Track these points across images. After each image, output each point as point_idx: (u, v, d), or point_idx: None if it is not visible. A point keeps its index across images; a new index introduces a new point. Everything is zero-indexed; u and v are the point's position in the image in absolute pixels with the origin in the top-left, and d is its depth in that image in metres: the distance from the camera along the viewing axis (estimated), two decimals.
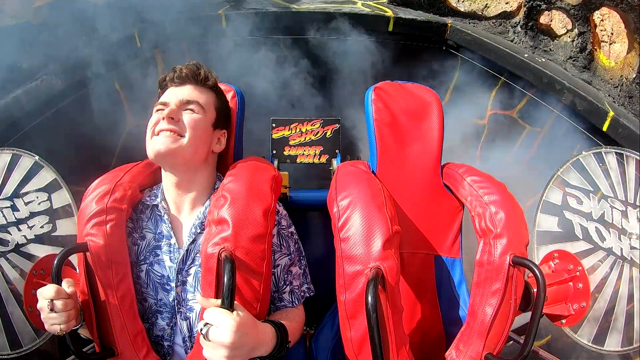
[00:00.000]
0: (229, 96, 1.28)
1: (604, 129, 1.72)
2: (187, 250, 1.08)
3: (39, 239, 1.38)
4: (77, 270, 1.07)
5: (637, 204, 1.51)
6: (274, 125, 1.60)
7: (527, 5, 1.93)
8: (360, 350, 0.98)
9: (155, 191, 1.17)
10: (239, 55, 1.80)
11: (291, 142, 1.60)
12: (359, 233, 0.99)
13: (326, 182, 1.35)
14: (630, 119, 1.73)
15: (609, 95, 1.82)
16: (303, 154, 1.61)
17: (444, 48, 1.96)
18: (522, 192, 1.76)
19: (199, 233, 1.08)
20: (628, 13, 1.73)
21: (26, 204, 1.38)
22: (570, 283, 1.28)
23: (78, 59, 1.63)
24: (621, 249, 1.49)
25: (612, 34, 1.92)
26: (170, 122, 1.06)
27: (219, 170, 1.21)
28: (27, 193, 1.39)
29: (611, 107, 1.75)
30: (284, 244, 1.12)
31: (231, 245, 0.92)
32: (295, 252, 1.14)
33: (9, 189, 1.37)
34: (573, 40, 1.87)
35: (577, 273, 1.28)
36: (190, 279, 1.07)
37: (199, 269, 1.04)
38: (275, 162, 1.59)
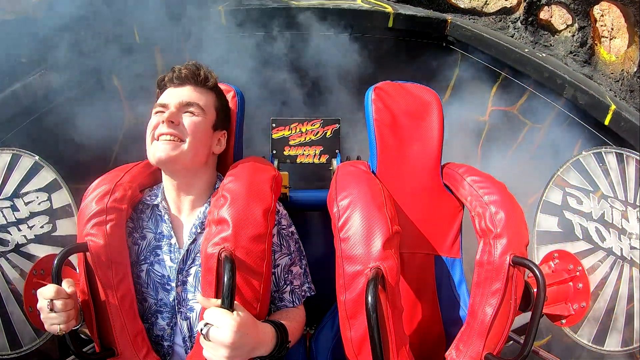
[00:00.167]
0: (229, 96, 1.28)
1: (606, 122, 1.71)
2: (187, 250, 1.08)
3: (39, 239, 1.38)
4: (77, 270, 1.07)
5: (637, 204, 1.51)
6: (274, 125, 1.60)
7: (526, 1, 1.92)
8: (360, 350, 0.98)
9: (155, 191, 1.17)
10: (239, 52, 1.79)
11: (291, 142, 1.60)
12: (359, 233, 0.99)
13: (326, 182, 1.35)
14: (632, 113, 1.73)
15: (610, 90, 1.82)
16: (303, 154, 1.61)
17: (444, 44, 1.96)
18: (524, 189, 1.75)
19: (199, 233, 1.08)
20: (628, 7, 1.73)
21: (26, 204, 1.38)
22: (570, 283, 1.28)
23: (77, 54, 1.62)
24: (621, 249, 1.49)
25: (612, 29, 1.91)
26: (170, 125, 1.05)
27: (219, 170, 1.21)
28: (27, 193, 1.39)
29: (613, 101, 1.74)
30: (284, 244, 1.12)
31: (231, 245, 0.92)
32: (295, 251, 1.14)
33: (9, 189, 1.37)
34: (573, 35, 1.87)
35: (577, 273, 1.28)
36: (190, 279, 1.07)
37: (199, 269, 1.04)
38: (275, 162, 1.59)
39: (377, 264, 0.94)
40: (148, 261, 1.09)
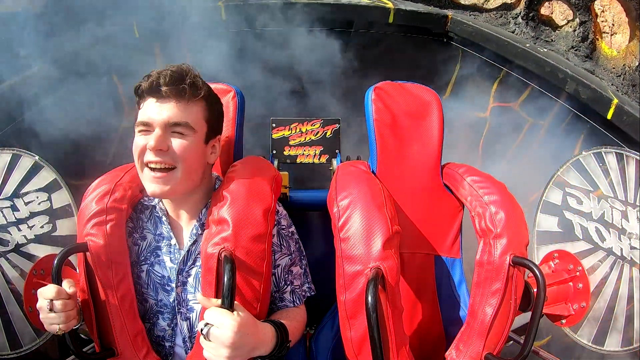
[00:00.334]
0: (229, 96, 1.28)
1: (609, 116, 1.69)
2: (187, 251, 1.07)
3: (39, 239, 1.39)
4: (77, 270, 1.07)
5: (637, 204, 1.51)
6: (274, 125, 1.60)
7: None
8: (360, 350, 0.98)
9: None
10: (239, 47, 1.78)
11: (291, 142, 1.60)
12: (359, 233, 0.99)
13: (326, 182, 1.35)
14: (635, 107, 1.71)
15: (612, 84, 1.80)
16: (303, 154, 1.61)
17: (445, 40, 1.95)
18: (525, 187, 1.75)
19: (200, 234, 1.08)
20: (629, 1, 1.72)
21: (26, 204, 1.38)
22: (570, 283, 1.28)
23: (76, 49, 1.61)
24: (621, 249, 1.49)
25: (613, 25, 1.91)
26: (159, 154, 0.96)
27: (218, 170, 1.20)
28: (27, 193, 1.39)
29: (615, 95, 1.73)
30: (284, 244, 1.12)
31: (231, 245, 0.92)
32: (295, 251, 1.14)
33: (9, 189, 1.37)
34: (575, 30, 1.86)
35: (577, 273, 1.28)
36: (190, 280, 1.06)
37: (200, 270, 1.04)
38: (275, 162, 1.59)
39: (377, 264, 0.94)
40: (148, 262, 1.09)
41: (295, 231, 1.17)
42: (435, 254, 1.25)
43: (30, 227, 1.37)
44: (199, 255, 1.06)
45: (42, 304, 0.92)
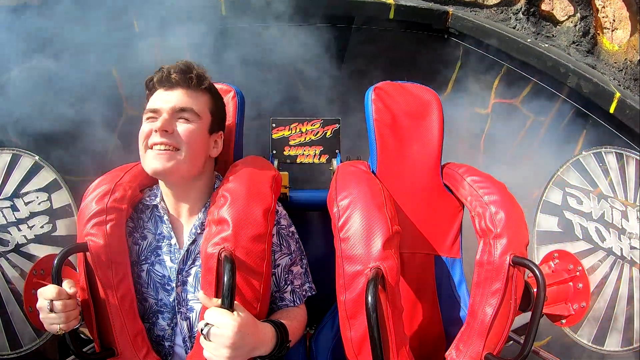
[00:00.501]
0: (229, 96, 1.28)
1: (611, 110, 1.67)
2: (187, 250, 1.08)
3: (39, 239, 1.39)
4: (77, 270, 1.07)
5: (637, 204, 1.51)
6: (274, 125, 1.60)
7: None
8: (360, 350, 0.98)
9: (155, 191, 1.17)
10: (238, 43, 1.78)
11: (291, 142, 1.60)
12: (359, 233, 0.99)
13: (326, 182, 1.35)
14: (637, 101, 1.69)
15: (614, 79, 1.79)
16: (303, 154, 1.61)
17: (446, 37, 1.95)
18: (527, 184, 1.74)
19: (199, 233, 1.08)
20: None
21: (26, 204, 1.38)
22: (570, 283, 1.28)
23: (75, 42, 1.59)
24: (621, 249, 1.49)
25: (613, 20, 1.90)
26: (164, 135, 1.00)
27: (219, 170, 1.21)
28: (27, 193, 1.39)
29: (617, 90, 1.72)
30: (284, 244, 1.12)
31: (231, 245, 0.92)
32: (296, 251, 1.14)
33: (9, 189, 1.37)
34: (575, 25, 1.85)
35: (577, 273, 1.28)
36: (190, 279, 1.07)
37: (199, 269, 1.04)
38: (275, 162, 1.59)
39: (377, 264, 0.94)
40: (149, 261, 1.09)
41: (295, 231, 1.17)
42: (435, 254, 1.25)
43: (30, 227, 1.38)
44: (198, 255, 1.06)
45: (42, 304, 0.92)
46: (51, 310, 0.91)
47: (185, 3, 1.71)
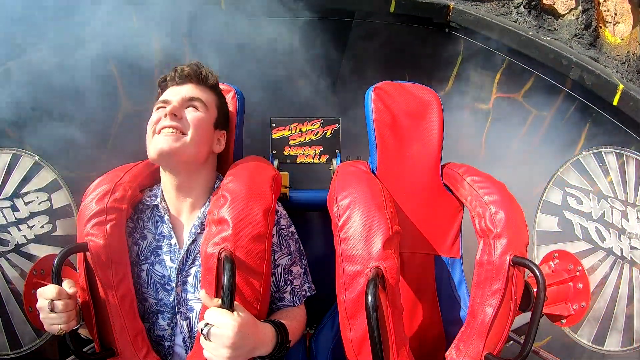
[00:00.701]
0: (229, 96, 1.28)
1: (615, 102, 1.66)
2: (187, 250, 1.08)
3: (39, 239, 1.39)
4: (77, 270, 1.07)
5: (637, 204, 1.51)
6: (274, 125, 1.60)
7: None
8: (360, 350, 0.98)
9: (155, 191, 1.17)
10: (239, 39, 1.77)
11: (291, 142, 1.60)
12: (359, 233, 0.99)
13: (326, 182, 1.35)
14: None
15: (616, 72, 1.78)
16: (303, 154, 1.61)
17: (447, 31, 1.93)
18: (529, 180, 1.73)
19: (199, 233, 1.08)
20: None
21: (26, 204, 1.38)
22: (570, 283, 1.28)
23: (74, 36, 1.57)
24: (621, 249, 1.49)
25: (615, 14, 1.89)
26: (173, 119, 1.06)
27: (218, 170, 1.21)
28: (27, 193, 1.39)
29: (620, 82, 1.71)
30: (284, 244, 1.12)
31: (231, 245, 0.92)
32: (295, 251, 1.14)
33: (9, 189, 1.37)
34: (577, 18, 1.84)
35: (577, 273, 1.28)
36: (190, 279, 1.07)
37: (199, 269, 1.04)
38: (275, 162, 1.59)
39: (377, 264, 0.94)
40: (149, 261, 1.09)
41: (295, 231, 1.17)
42: (435, 254, 1.25)
43: (30, 227, 1.38)
44: (198, 255, 1.06)
45: (42, 304, 0.92)
46: (52, 310, 0.91)
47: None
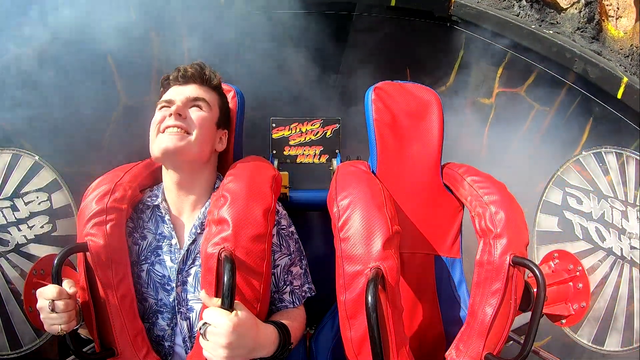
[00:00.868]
0: (229, 96, 1.28)
1: (619, 96, 1.65)
2: (187, 250, 1.08)
3: (39, 239, 1.39)
4: (77, 270, 1.07)
5: (637, 204, 1.51)
6: (274, 125, 1.60)
7: None
8: (360, 350, 0.98)
9: (155, 191, 1.17)
10: (238, 34, 1.76)
11: (291, 142, 1.60)
12: (359, 233, 0.99)
13: (326, 182, 1.35)
14: None
15: (620, 65, 1.77)
16: (303, 154, 1.61)
17: (448, 25, 1.91)
18: (529, 181, 1.72)
19: (199, 233, 1.08)
20: None
21: (26, 204, 1.38)
22: (570, 283, 1.28)
23: (73, 29, 1.55)
24: (621, 249, 1.49)
25: (618, 8, 1.88)
26: (178, 118, 1.06)
27: (218, 170, 1.21)
28: (27, 193, 1.39)
29: (624, 75, 1.70)
30: (284, 244, 1.12)
31: (231, 245, 0.92)
32: (295, 252, 1.14)
33: (9, 189, 1.37)
34: (580, 11, 1.83)
35: (577, 273, 1.28)
36: (190, 279, 1.07)
37: (199, 269, 1.04)
38: (275, 162, 1.59)
39: (377, 264, 0.94)
40: (149, 261, 1.09)
41: (295, 231, 1.17)
42: (435, 254, 1.25)
43: (30, 227, 1.38)
44: (198, 255, 1.06)
45: (42, 304, 0.92)
46: (52, 310, 0.91)
47: None
